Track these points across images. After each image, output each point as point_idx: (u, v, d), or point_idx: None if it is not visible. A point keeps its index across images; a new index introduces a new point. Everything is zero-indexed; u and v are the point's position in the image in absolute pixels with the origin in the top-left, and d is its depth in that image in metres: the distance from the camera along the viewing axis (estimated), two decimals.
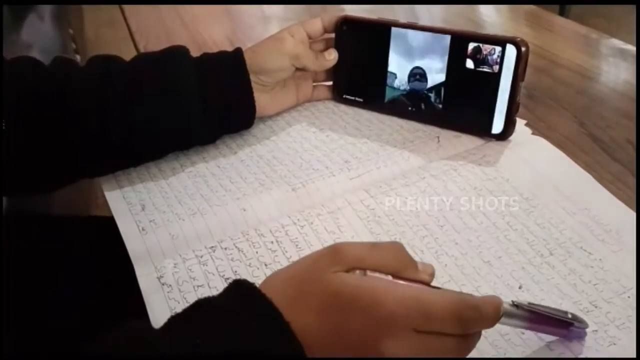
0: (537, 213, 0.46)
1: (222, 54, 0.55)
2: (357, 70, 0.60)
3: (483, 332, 0.37)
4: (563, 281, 0.41)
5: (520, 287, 0.40)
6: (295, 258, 0.42)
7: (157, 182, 0.53)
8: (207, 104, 0.52)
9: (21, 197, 0.57)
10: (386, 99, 0.59)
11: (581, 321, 0.36)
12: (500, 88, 0.52)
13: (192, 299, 0.33)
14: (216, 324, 0.30)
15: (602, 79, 0.71)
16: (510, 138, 0.54)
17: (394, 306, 0.30)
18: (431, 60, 0.55)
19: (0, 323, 0.39)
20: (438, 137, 0.56)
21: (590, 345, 0.36)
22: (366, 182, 0.51)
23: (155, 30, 0.87)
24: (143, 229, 0.47)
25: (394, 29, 0.57)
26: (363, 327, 0.30)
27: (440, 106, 0.56)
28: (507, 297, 0.34)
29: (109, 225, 0.48)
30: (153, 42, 0.82)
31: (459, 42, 0.53)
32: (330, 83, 0.63)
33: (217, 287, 0.42)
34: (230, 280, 0.33)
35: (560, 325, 0.35)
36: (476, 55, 0.53)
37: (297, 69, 0.58)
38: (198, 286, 0.42)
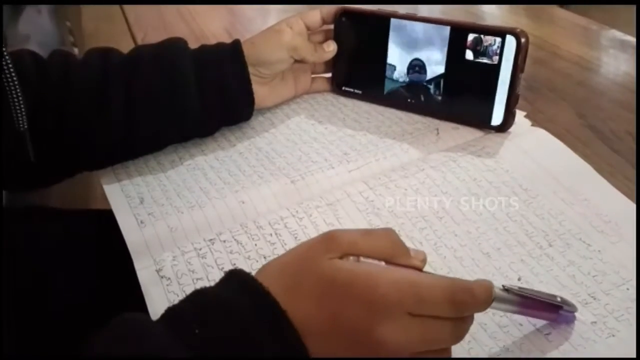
0: (537, 204, 0.46)
1: (221, 46, 0.55)
2: (356, 62, 0.60)
3: (481, 324, 0.37)
4: (562, 273, 0.41)
5: (519, 279, 0.40)
6: None
7: (156, 175, 0.53)
8: (205, 96, 0.52)
9: (21, 191, 0.57)
10: (385, 91, 0.59)
11: (570, 305, 0.36)
12: (500, 79, 0.52)
13: (191, 291, 0.33)
14: (213, 313, 0.30)
15: (602, 70, 0.71)
16: (510, 130, 0.54)
17: (387, 290, 0.30)
18: (430, 52, 0.55)
19: (0, 321, 0.39)
20: (437, 129, 0.56)
21: (589, 336, 0.36)
22: (365, 175, 0.51)
23: (153, 23, 0.86)
24: (142, 222, 0.47)
25: (393, 20, 0.56)
26: (358, 312, 0.30)
27: (440, 98, 0.56)
28: None
29: (108, 218, 0.48)
30: (151, 34, 0.82)
31: (458, 34, 0.53)
32: (329, 75, 0.63)
33: (215, 279, 0.41)
34: None
35: (550, 309, 0.36)
36: (476, 46, 0.52)
37: (296, 61, 0.57)
38: (197, 279, 0.42)
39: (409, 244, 0.34)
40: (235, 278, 0.32)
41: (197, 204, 0.49)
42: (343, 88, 0.62)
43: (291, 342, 0.29)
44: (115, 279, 0.46)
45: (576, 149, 0.52)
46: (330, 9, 0.59)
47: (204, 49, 0.54)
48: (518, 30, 0.51)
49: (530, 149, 0.51)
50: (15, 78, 0.43)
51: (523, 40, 0.50)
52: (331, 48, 0.59)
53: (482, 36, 0.52)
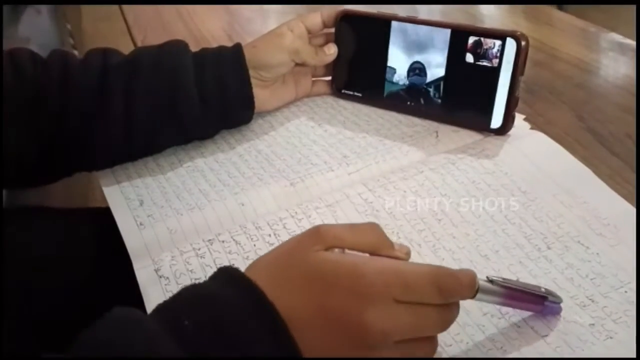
0: (535, 207, 0.46)
1: (222, 49, 0.55)
2: (356, 65, 0.60)
3: (479, 326, 0.37)
4: (560, 275, 0.41)
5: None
6: None
7: (155, 177, 0.53)
8: (205, 99, 0.52)
9: (19, 190, 0.57)
10: (385, 94, 0.59)
11: (555, 295, 0.37)
12: (500, 82, 0.52)
13: None
14: (201, 305, 0.30)
15: (601, 73, 0.71)
16: (509, 132, 0.54)
17: (373, 277, 0.31)
18: (431, 55, 0.55)
19: (0, 319, 0.39)
20: (437, 132, 0.56)
21: (587, 338, 0.36)
22: (365, 177, 0.51)
23: (153, 25, 0.86)
24: (141, 224, 0.47)
25: (393, 23, 0.57)
26: (345, 300, 0.30)
27: (440, 101, 0.56)
28: None
29: (107, 217, 0.48)
30: (150, 36, 0.82)
31: (458, 36, 0.53)
32: (329, 78, 0.63)
33: None
34: None
35: (535, 300, 0.36)
36: (476, 49, 0.53)
37: (297, 64, 0.57)
38: (195, 279, 0.42)
39: (407, 245, 0.34)
40: (223, 274, 0.33)
41: (196, 206, 0.49)
42: (343, 91, 0.62)
43: (279, 332, 0.29)
44: (114, 278, 0.46)
45: (575, 152, 0.52)
46: (331, 11, 0.59)
47: (204, 52, 0.54)
48: (518, 33, 0.51)
49: (530, 152, 0.52)
50: None
51: (523, 43, 0.50)
52: (332, 51, 0.59)
53: (482, 39, 0.52)
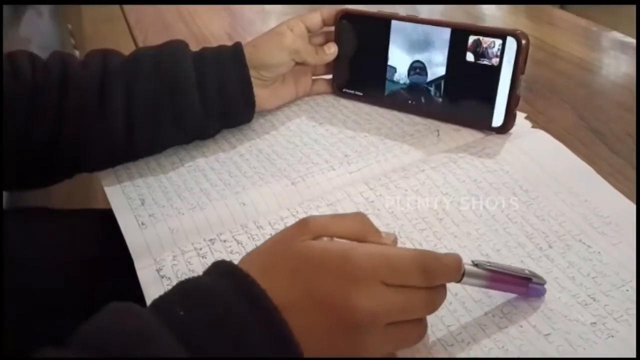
0: (537, 206, 0.46)
1: (222, 49, 0.55)
2: (356, 64, 0.60)
3: (481, 325, 0.37)
4: (562, 274, 0.41)
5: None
6: None
7: (157, 176, 0.53)
8: (206, 98, 0.52)
9: (19, 191, 0.57)
10: (386, 93, 0.59)
11: (539, 277, 0.38)
12: (501, 81, 0.52)
13: None
14: (196, 296, 0.31)
15: (602, 71, 0.71)
16: (511, 131, 0.54)
17: (360, 261, 0.31)
18: (431, 54, 0.55)
19: (0, 320, 0.39)
20: (438, 131, 0.56)
21: (589, 337, 0.36)
22: (366, 176, 0.51)
23: (154, 25, 0.87)
24: (142, 224, 0.47)
25: (393, 22, 0.57)
26: (333, 285, 0.31)
27: (440, 100, 0.56)
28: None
29: (108, 218, 0.48)
30: (152, 36, 0.82)
31: (459, 35, 0.53)
32: (330, 77, 0.63)
33: None
34: None
35: (519, 282, 0.37)
36: (476, 48, 0.53)
37: (297, 63, 0.57)
38: None
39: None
40: (217, 267, 0.33)
41: (197, 205, 0.49)
42: (344, 90, 0.62)
43: (272, 318, 0.30)
44: (116, 279, 0.46)
45: (577, 150, 0.52)
46: (331, 10, 0.59)
47: (204, 52, 0.54)
48: (518, 31, 0.51)
49: (531, 150, 0.51)
50: None
51: (524, 41, 0.50)
52: (332, 50, 0.59)
53: (482, 38, 0.52)
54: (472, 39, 0.53)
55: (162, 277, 0.42)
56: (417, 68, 0.57)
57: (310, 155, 0.54)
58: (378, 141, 0.55)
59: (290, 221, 0.46)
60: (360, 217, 0.35)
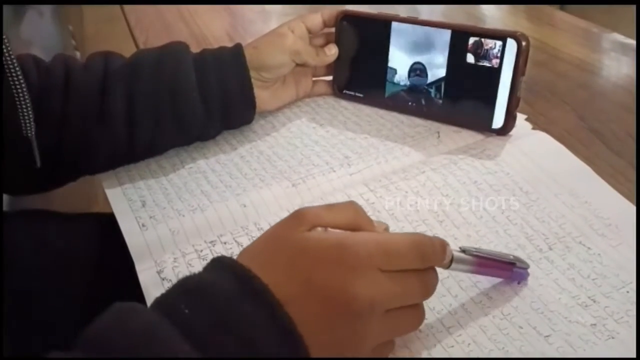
0: (537, 207, 0.46)
1: (222, 50, 0.55)
2: (357, 65, 0.60)
3: (481, 326, 0.37)
4: (562, 276, 0.41)
5: (518, 283, 0.40)
6: None
7: (157, 178, 0.53)
8: (207, 100, 0.52)
9: (21, 195, 0.57)
10: (386, 94, 0.59)
11: (522, 262, 0.40)
12: (501, 83, 0.52)
13: None
14: (199, 293, 0.31)
15: (602, 73, 0.71)
16: (511, 132, 0.54)
17: (356, 249, 0.32)
18: (431, 55, 0.55)
19: (0, 322, 0.39)
20: (438, 133, 0.56)
21: (589, 338, 0.36)
22: (366, 178, 0.51)
23: (155, 26, 0.87)
24: (143, 225, 0.47)
25: (394, 24, 0.57)
26: (331, 274, 0.31)
27: (441, 101, 0.56)
28: (505, 294, 0.34)
29: (109, 221, 0.49)
30: (152, 37, 0.82)
31: (459, 37, 0.53)
32: (330, 78, 0.63)
33: None
34: None
35: (504, 266, 0.39)
36: (477, 49, 0.53)
37: (297, 65, 0.57)
38: None
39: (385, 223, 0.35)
40: (217, 263, 0.33)
41: (198, 207, 0.49)
42: (344, 91, 0.62)
43: (276, 312, 0.30)
44: (116, 281, 0.46)
45: (577, 152, 0.52)
46: (332, 12, 0.59)
47: (205, 53, 0.54)
48: (519, 33, 0.51)
49: (531, 152, 0.52)
50: (23, 83, 0.43)
51: (524, 43, 0.50)
52: (332, 51, 0.59)
53: (482, 39, 0.52)
54: (472, 40, 0.53)
55: (163, 280, 0.42)
56: (418, 70, 0.57)
57: (310, 157, 0.54)
58: (378, 143, 0.55)
59: None
60: (352, 205, 0.36)
